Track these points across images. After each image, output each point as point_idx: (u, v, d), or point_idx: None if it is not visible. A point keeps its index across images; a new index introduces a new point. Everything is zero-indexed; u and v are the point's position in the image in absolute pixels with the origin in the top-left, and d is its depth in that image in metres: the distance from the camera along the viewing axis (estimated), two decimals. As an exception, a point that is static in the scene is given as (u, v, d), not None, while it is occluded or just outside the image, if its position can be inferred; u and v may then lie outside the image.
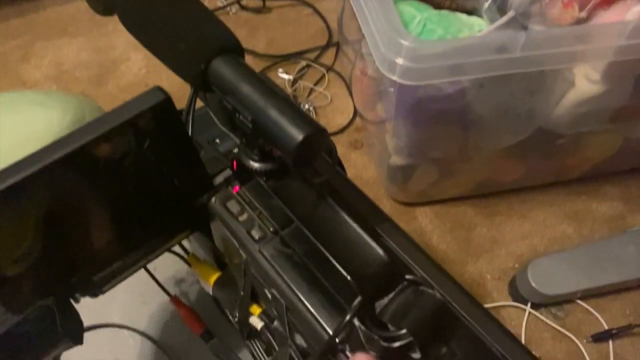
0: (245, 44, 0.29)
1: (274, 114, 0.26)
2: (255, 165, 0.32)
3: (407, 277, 0.30)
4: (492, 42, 0.48)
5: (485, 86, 0.54)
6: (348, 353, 0.29)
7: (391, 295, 0.29)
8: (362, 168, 0.78)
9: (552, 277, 0.65)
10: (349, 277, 0.28)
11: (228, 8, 0.94)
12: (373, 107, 0.72)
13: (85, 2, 0.35)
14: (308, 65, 0.86)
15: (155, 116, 0.30)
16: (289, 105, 0.26)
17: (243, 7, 0.94)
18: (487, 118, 0.59)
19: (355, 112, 0.82)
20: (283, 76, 0.84)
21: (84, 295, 0.36)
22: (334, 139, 0.80)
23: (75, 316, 0.35)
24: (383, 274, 0.29)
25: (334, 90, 0.84)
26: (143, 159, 0.32)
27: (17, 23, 0.92)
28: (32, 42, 0.90)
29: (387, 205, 0.75)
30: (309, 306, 0.31)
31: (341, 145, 0.79)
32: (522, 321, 0.66)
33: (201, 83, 0.30)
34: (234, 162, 0.34)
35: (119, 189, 0.33)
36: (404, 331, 0.27)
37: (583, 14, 0.55)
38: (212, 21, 0.31)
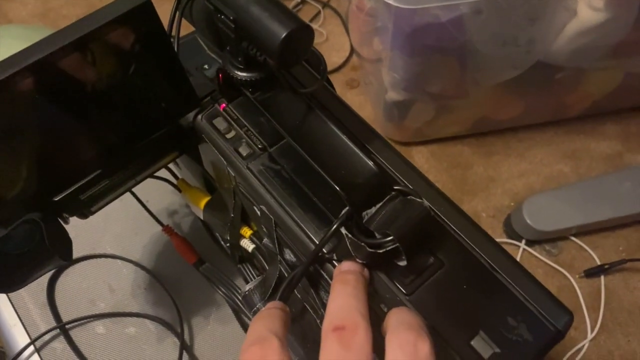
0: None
1: (256, 10, 0.25)
2: (240, 74, 0.31)
3: (395, 187, 0.29)
4: (492, -38, 0.46)
5: (484, 13, 0.52)
6: (335, 262, 0.29)
7: (379, 205, 0.28)
8: (358, 108, 0.77)
9: (547, 214, 0.65)
10: (337, 187, 0.28)
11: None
12: (370, 44, 0.70)
13: None
14: (303, 2, 0.83)
15: (134, 22, 0.29)
16: (272, 1, 0.25)
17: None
18: (485, 49, 0.58)
19: (352, 51, 0.80)
20: (277, 13, 0.81)
21: (72, 214, 0.36)
22: (329, 77, 0.78)
23: (64, 233, 0.35)
24: (371, 184, 0.28)
25: (330, 28, 0.82)
26: (121, 78, 0.31)
27: (0, -42, 0.89)
28: (17, -22, 0.87)
29: (383, 144, 0.74)
30: (297, 220, 0.31)
31: (337, 85, 0.78)
32: (515, 258, 0.66)
33: (182, -16, 0.29)
34: (220, 77, 0.33)
35: (103, 110, 0.32)
36: (389, 237, 0.27)
37: None
38: None
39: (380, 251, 0.27)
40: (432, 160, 0.73)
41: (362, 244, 0.27)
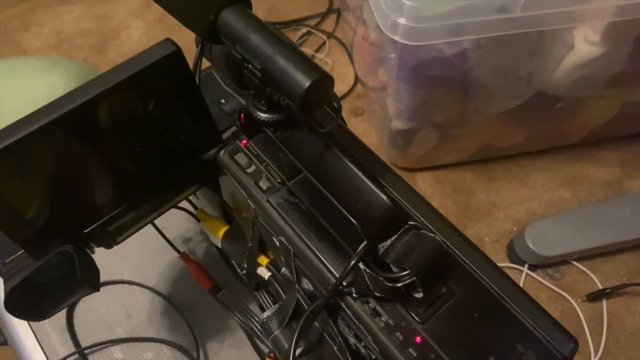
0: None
1: (282, 61, 0.27)
2: (263, 115, 0.33)
3: (409, 222, 0.31)
4: (493, 2, 0.49)
5: (486, 47, 0.55)
6: (354, 295, 0.31)
7: (393, 238, 0.30)
8: (363, 134, 0.79)
9: (549, 239, 0.67)
10: (354, 221, 0.30)
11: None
12: (374, 73, 0.72)
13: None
14: (309, 32, 0.86)
15: (165, 69, 0.31)
16: (296, 52, 0.27)
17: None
18: (487, 81, 0.60)
19: (356, 79, 0.83)
20: (284, 43, 0.84)
21: (99, 245, 0.37)
22: (335, 106, 0.81)
23: (92, 264, 0.36)
24: (386, 218, 0.30)
25: (334, 57, 0.85)
26: (149, 120, 0.33)
27: (15, -9, 0.92)
28: (31, 9, 0.90)
29: (388, 170, 0.77)
30: (316, 251, 0.33)
31: (343, 113, 0.80)
32: (519, 282, 0.68)
33: (210, 34, 0.31)
34: (242, 116, 0.36)
35: (125, 146, 0.34)
36: (407, 272, 0.28)
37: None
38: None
39: (398, 285, 0.29)
40: (435, 186, 0.75)
41: (381, 278, 0.29)
